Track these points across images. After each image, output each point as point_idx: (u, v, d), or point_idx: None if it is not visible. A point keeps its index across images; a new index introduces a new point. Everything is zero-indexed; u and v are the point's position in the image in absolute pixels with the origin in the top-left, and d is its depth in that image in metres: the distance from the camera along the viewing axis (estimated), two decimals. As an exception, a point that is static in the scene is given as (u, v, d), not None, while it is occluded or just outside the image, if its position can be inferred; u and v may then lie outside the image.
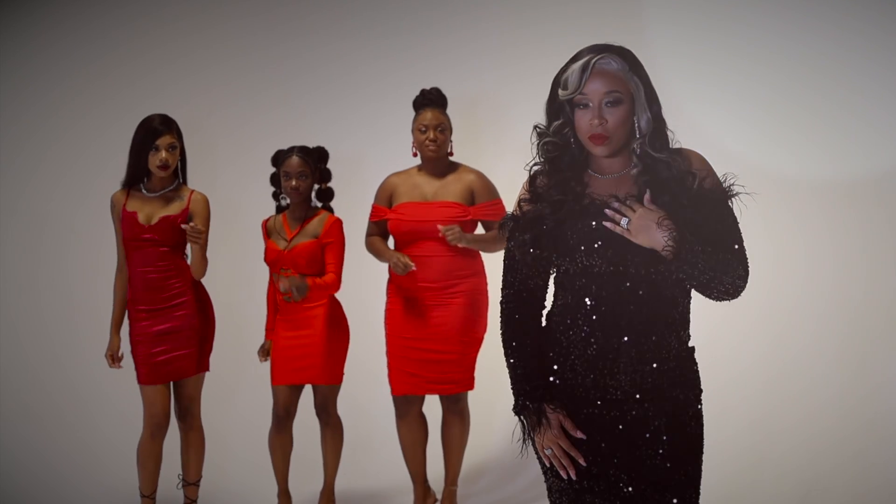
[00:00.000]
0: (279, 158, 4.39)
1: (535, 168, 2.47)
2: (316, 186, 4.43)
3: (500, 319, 2.52)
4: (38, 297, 5.76)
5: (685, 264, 2.28)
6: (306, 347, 4.30)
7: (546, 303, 2.53)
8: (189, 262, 4.21)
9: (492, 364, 3.92)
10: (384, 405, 4.61)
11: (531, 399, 2.43)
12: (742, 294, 2.36)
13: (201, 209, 4.18)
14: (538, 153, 2.44)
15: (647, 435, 2.39)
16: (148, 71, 5.79)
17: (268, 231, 4.41)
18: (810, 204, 5.15)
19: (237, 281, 5.18)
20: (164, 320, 4.16)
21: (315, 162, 4.37)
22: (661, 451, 2.38)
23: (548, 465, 2.46)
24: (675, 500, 2.38)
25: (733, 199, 2.37)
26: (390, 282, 4.47)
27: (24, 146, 5.84)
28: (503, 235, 2.51)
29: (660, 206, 2.32)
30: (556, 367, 2.44)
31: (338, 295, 4.40)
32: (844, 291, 5.07)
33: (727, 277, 2.31)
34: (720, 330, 4.65)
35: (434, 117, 4.36)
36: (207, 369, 4.31)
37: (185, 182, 4.26)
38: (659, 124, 2.37)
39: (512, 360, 2.48)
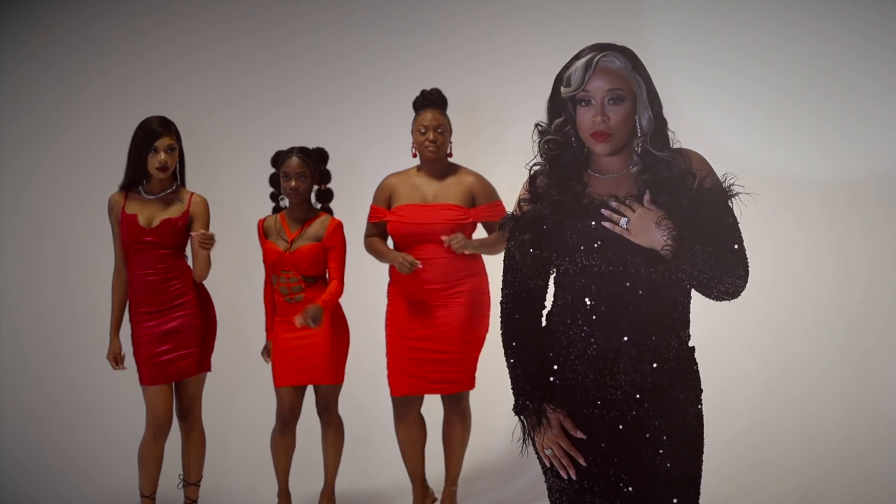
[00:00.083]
0: (279, 159, 4.39)
1: (535, 168, 2.47)
2: (315, 187, 4.43)
3: (500, 319, 2.52)
4: (38, 298, 5.76)
5: (685, 264, 2.28)
6: (310, 348, 4.30)
7: (546, 303, 2.53)
8: (191, 264, 4.21)
9: (492, 364, 3.92)
10: (384, 405, 4.60)
11: (531, 399, 2.43)
12: (742, 294, 2.36)
13: (202, 211, 4.19)
14: (539, 151, 2.44)
15: (647, 435, 2.39)
16: (148, 71, 5.79)
17: (265, 231, 4.40)
18: (810, 204, 5.15)
19: (237, 281, 5.18)
20: (167, 320, 4.16)
21: (315, 163, 4.37)
22: (661, 451, 2.38)
23: (548, 464, 2.46)
24: (675, 500, 2.38)
25: (733, 198, 2.37)
26: (391, 284, 4.47)
27: (24, 146, 5.84)
28: (504, 236, 2.51)
29: (659, 206, 2.32)
30: (556, 367, 2.44)
31: (338, 295, 4.41)
32: (845, 291, 5.07)
33: (727, 277, 2.31)
34: (720, 330, 4.65)
35: (434, 118, 4.36)
36: (209, 369, 4.31)
37: (183, 184, 4.26)
38: (660, 123, 2.37)
39: (512, 360, 2.48)
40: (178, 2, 5.91)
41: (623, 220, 2.32)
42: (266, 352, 4.45)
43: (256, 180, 4.61)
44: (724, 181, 2.38)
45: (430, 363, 4.34)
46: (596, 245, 2.36)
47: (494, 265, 3.53)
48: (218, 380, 4.57)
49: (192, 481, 4.35)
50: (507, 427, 2.72)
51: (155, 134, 4.09)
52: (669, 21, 5.32)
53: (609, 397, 2.40)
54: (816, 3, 5.18)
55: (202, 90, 5.76)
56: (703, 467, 2.46)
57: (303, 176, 4.32)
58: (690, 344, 2.47)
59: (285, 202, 4.42)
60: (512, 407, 2.48)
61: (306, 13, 5.86)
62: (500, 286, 2.53)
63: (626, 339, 2.37)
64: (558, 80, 2.39)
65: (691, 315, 2.46)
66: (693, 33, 5.30)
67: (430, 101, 4.40)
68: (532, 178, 2.47)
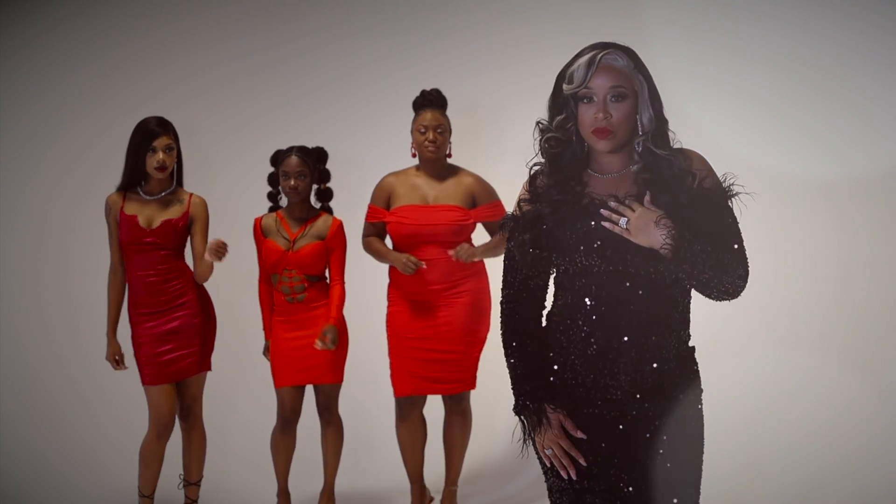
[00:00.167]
0: (278, 158, 4.39)
1: (536, 168, 2.47)
2: (315, 187, 4.43)
3: (500, 319, 2.52)
4: (38, 297, 5.76)
5: (684, 263, 2.28)
6: (311, 347, 4.29)
7: (546, 303, 2.53)
8: (192, 267, 4.21)
9: (493, 364, 3.92)
10: (384, 405, 4.61)
11: (531, 399, 2.43)
12: (742, 294, 2.36)
13: (202, 212, 4.19)
14: (540, 149, 2.44)
15: (648, 435, 2.39)
16: (148, 71, 5.78)
17: (263, 230, 4.38)
18: (811, 204, 5.15)
19: (237, 281, 5.18)
20: (168, 320, 4.16)
21: (314, 162, 4.37)
22: (661, 451, 2.39)
23: (548, 464, 2.46)
24: (675, 500, 2.38)
25: (733, 198, 2.37)
26: (391, 285, 4.46)
27: (24, 146, 5.83)
28: (504, 236, 2.51)
29: (659, 206, 2.32)
30: (556, 367, 2.44)
31: (338, 295, 4.41)
32: (846, 291, 5.07)
33: (727, 277, 2.31)
34: (721, 330, 4.65)
35: (434, 118, 4.36)
36: (209, 368, 4.31)
37: (181, 184, 4.26)
38: (661, 123, 2.37)
39: (512, 360, 2.48)
40: (178, 2, 5.91)
41: (623, 220, 2.32)
42: (267, 351, 4.45)
43: (257, 180, 4.61)
44: (724, 181, 2.38)
45: (432, 363, 4.35)
46: (596, 245, 2.36)
47: (494, 265, 3.53)
48: (218, 380, 4.57)
49: (192, 481, 4.35)
50: (508, 427, 2.72)
51: (153, 134, 4.09)
52: (669, 21, 5.32)
53: (609, 397, 2.40)
54: (816, 3, 5.18)
55: (202, 90, 5.76)
56: (704, 467, 2.46)
57: (302, 175, 4.31)
58: (690, 344, 2.47)
59: (283, 201, 4.43)
60: (512, 407, 2.48)
61: (306, 13, 5.86)
62: (501, 286, 2.53)
63: (626, 339, 2.37)
64: (560, 78, 2.39)
65: (691, 315, 2.46)
66: (693, 33, 5.30)
67: (430, 101, 4.40)
68: (532, 179, 2.47)
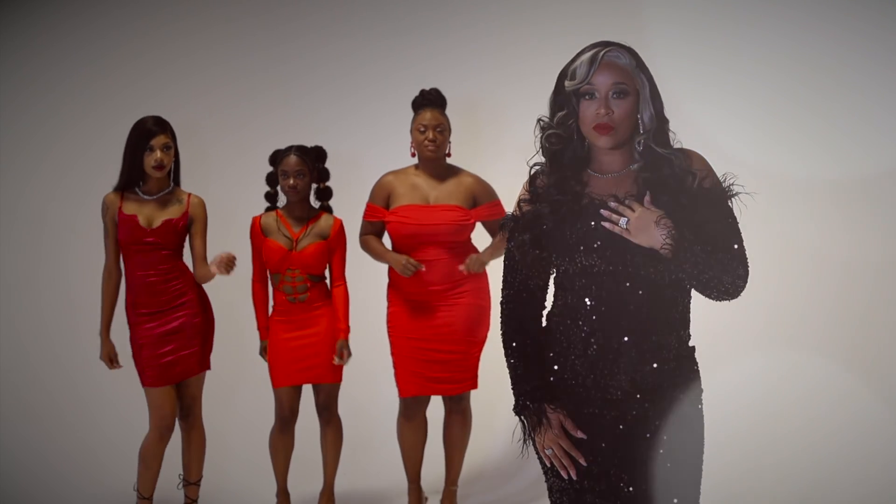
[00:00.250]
0: (277, 158, 4.39)
1: (536, 168, 2.47)
2: (314, 186, 4.43)
3: (500, 319, 2.52)
4: (38, 297, 5.75)
5: (684, 263, 2.28)
6: (313, 346, 4.30)
7: (546, 303, 2.53)
8: (192, 267, 4.21)
9: (493, 364, 3.92)
10: (384, 405, 4.61)
11: (531, 399, 2.43)
12: (742, 294, 2.36)
13: (201, 212, 4.20)
14: (540, 146, 2.44)
15: (648, 435, 2.39)
16: (148, 71, 5.78)
17: (264, 229, 4.38)
18: (811, 204, 5.15)
19: (236, 281, 5.17)
20: (168, 321, 4.16)
21: (313, 161, 4.37)
22: (661, 451, 2.39)
23: (548, 464, 2.46)
24: (675, 500, 2.38)
25: (733, 198, 2.37)
26: (391, 286, 4.46)
27: (24, 146, 5.83)
28: (504, 236, 2.51)
29: (659, 206, 2.32)
30: (556, 367, 2.44)
31: (338, 295, 4.41)
32: (848, 291, 5.07)
33: (727, 277, 2.31)
34: (721, 330, 4.64)
35: (433, 118, 4.36)
36: (209, 368, 4.31)
37: (178, 184, 4.26)
38: (661, 122, 2.38)
39: (512, 361, 2.48)
40: (178, 2, 5.91)
41: (622, 220, 2.32)
42: (264, 352, 4.44)
43: (256, 180, 4.61)
44: (724, 181, 2.38)
45: (434, 364, 4.35)
46: (596, 245, 2.36)
47: (494, 265, 3.53)
48: (218, 380, 4.57)
49: (192, 481, 4.35)
50: (508, 427, 2.72)
51: (150, 132, 4.09)
52: (669, 21, 5.31)
53: (609, 397, 2.40)
54: (816, 3, 5.18)
55: (202, 90, 5.76)
56: (704, 467, 2.46)
57: (301, 174, 4.31)
58: (691, 344, 2.47)
59: (282, 201, 4.42)
60: (512, 407, 2.48)
61: (306, 13, 5.86)
62: (501, 286, 2.53)
63: (626, 339, 2.37)
64: (562, 75, 2.39)
65: (691, 315, 2.46)
66: (693, 33, 5.30)
67: (430, 101, 4.40)
68: (532, 179, 2.47)
